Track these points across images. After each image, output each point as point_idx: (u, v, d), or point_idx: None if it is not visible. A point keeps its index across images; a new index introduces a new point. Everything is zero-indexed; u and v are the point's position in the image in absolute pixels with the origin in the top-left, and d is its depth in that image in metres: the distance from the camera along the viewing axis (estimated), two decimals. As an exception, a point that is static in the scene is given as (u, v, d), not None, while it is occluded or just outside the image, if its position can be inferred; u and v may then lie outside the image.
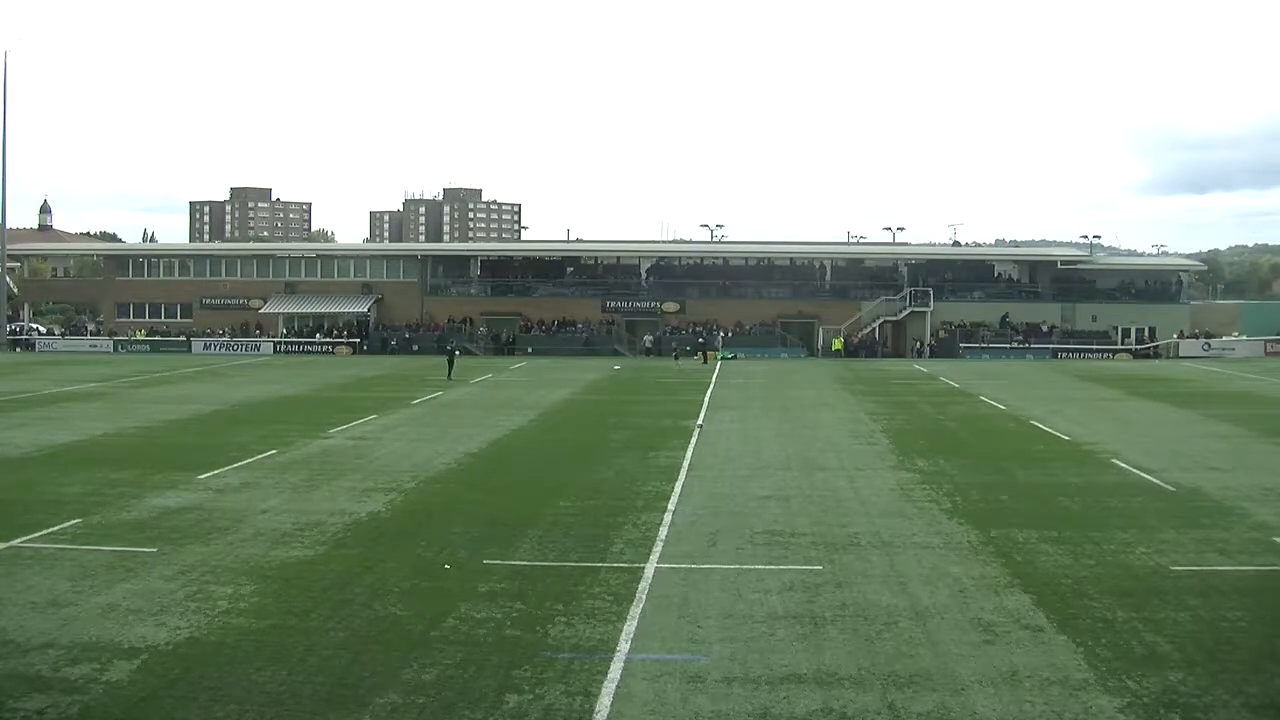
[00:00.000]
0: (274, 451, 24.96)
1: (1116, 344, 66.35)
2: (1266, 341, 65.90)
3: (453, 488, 20.93)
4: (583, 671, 10.72)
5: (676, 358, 58.32)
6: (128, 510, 18.34)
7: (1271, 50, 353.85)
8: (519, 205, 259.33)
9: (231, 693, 10.19)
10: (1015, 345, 65.19)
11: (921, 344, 66.01)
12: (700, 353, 60.46)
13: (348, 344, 67.50)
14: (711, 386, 43.41)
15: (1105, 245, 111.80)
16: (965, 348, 64.80)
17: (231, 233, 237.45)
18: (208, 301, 72.80)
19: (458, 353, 51.55)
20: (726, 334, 66.24)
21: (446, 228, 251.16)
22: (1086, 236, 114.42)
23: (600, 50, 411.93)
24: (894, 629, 12.07)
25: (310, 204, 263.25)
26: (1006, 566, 14.75)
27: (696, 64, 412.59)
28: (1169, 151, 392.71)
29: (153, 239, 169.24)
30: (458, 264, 78.35)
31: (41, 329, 75.50)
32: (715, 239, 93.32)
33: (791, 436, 28.39)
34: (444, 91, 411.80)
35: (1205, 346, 65.24)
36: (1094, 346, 65.61)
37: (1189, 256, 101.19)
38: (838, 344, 65.20)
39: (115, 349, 68.12)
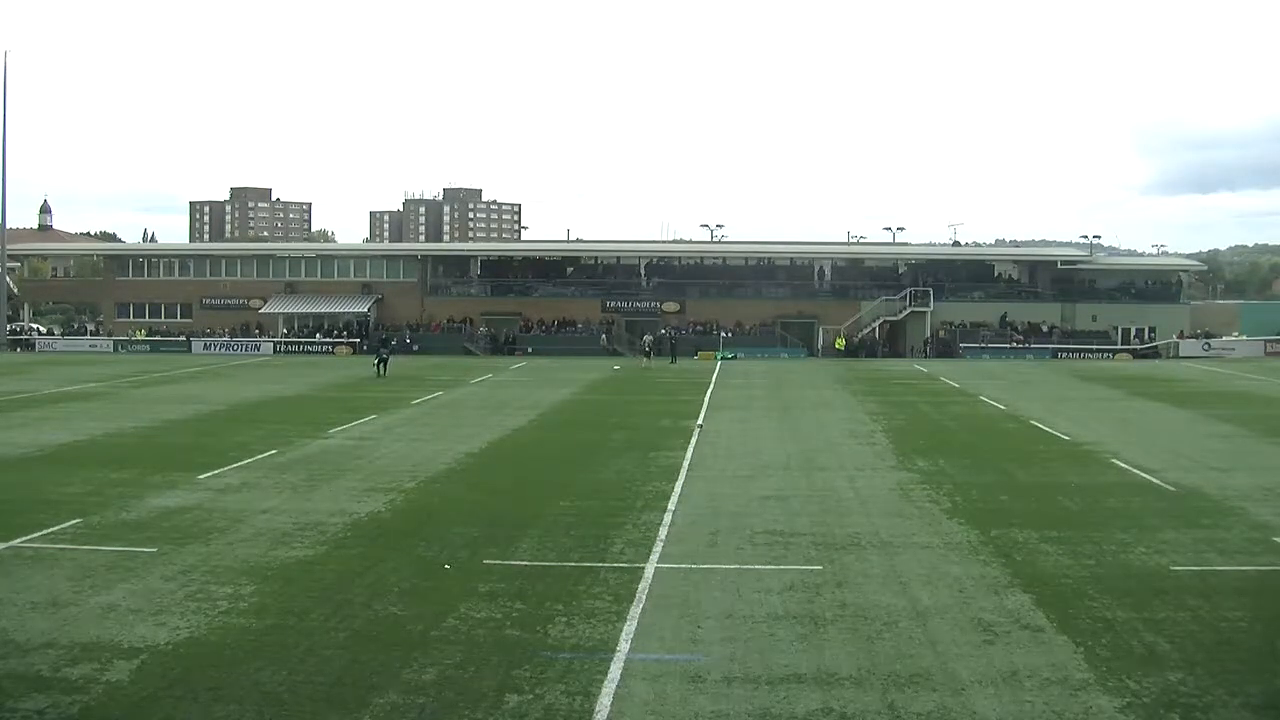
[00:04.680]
0: (274, 451, 24.96)
1: (1117, 344, 66.39)
2: (1266, 341, 65.88)
3: (453, 488, 20.93)
4: (583, 671, 10.71)
5: (648, 354, 58.26)
6: (128, 510, 18.34)
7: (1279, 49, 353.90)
8: (519, 205, 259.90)
9: (231, 693, 10.18)
10: (1015, 345, 65.22)
11: (926, 343, 65.98)
12: (671, 354, 59.27)
13: (348, 344, 67.51)
14: (711, 386, 43.42)
15: (1105, 245, 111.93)
16: (965, 348, 64.82)
17: (231, 233, 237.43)
18: (208, 301, 72.78)
19: (387, 356, 49.18)
20: (727, 333, 66.26)
21: (446, 228, 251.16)
22: (1086, 236, 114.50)
23: (600, 50, 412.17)
24: (894, 629, 12.07)
25: (310, 204, 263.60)
26: (1006, 566, 14.75)
27: (696, 64, 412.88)
28: (1175, 152, 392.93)
29: (153, 239, 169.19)
30: (458, 264, 78.40)
31: (41, 329, 75.45)
32: (715, 239, 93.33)
33: (791, 436, 28.39)
34: (444, 91, 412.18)
35: (1205, 346, 65.23)
36: (1094, 346, 65.63)
37: (1189, 256, 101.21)
38: (840, 343, 65.19)
39: (115, 349, 68.09)
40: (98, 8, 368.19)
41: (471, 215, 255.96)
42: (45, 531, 16.64)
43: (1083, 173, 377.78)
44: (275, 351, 67.42)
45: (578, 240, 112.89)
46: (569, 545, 15.96)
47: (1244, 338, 68.07)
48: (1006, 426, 30.91)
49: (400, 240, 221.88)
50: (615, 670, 10.72)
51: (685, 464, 23.47)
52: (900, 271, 72.69)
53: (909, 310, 67.48)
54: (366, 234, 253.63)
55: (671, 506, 18.77)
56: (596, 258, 78.04)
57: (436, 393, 40.31)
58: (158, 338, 70.24)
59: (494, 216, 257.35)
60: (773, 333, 68.24)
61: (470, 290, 74.12)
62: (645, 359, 57.87)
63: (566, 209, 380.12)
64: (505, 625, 12.18)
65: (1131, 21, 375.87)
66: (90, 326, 74.91)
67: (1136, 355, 64.35)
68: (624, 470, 22.69)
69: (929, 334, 66.66)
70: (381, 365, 47.77)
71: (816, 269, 74.87)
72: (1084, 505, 19.04)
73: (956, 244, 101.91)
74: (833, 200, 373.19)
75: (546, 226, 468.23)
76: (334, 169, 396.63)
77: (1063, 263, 73.53)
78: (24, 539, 16.11)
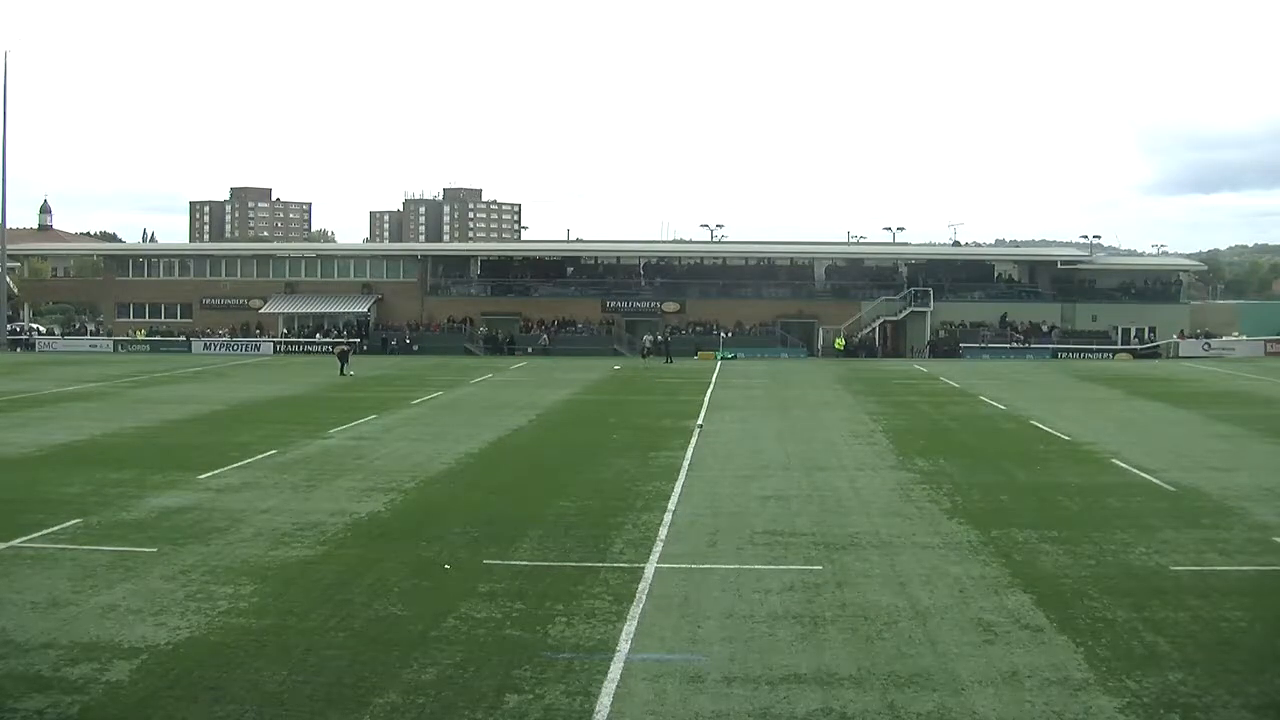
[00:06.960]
0: (274, 451, 24.96)
1: (1117, 344, 66.38)
2: (1266, 341, 65.88)
3: (453, 488, 20.93)
4: (583, 671, 10.72)
5: (644, 354, 58.61)
6: (128, 510, 18.34)
7: None
8: (519, 205, 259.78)
9: (231, 693, 10.19)
10: (1015, 345, 65.22)
11: (929, 343, 65.91)
12: (666, 354, 59.17)
13: (348, 344, 67.38)
14: (711, 386, 43.41)
15: (1105, 245, 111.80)
16: (965, 348, 64.81)
17: (231, 233, 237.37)
18: (208, 301, 72.78)
19: (348, 355, 52.58)
20: (727, 334, 66.25)
21: (446, 228, 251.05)
22: (1087, 236, 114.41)
23: (600, 50, 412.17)
24: (894, 629, 12.07)
25: (310, 204, 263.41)
26: (1006, 566, 14.75)
27: (696, 64, 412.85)
28: (1178, 151, 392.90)
29: (153, 239, 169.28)
30: (458, 264, 78.39)
31: (41, 329, 75.40)
32: (715, 239, 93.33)
33: (791, 436, 28.38)
34: (444, 91, 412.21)
35: (1205, 346, 65.23)
36: (1094, 346, 65.62)
37: (1189, 256, 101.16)
38: (840, 343, 65.18)
39: (115, 349, 68.06)
40: (98, 8, 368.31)
41: (471, 215, 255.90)
42: (45, 531, 16.64)
43: (1084, 172, 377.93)
44: (275, 351, 67.40)
45: (578, 240, 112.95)
46: (569, 545, 15.96)
47: (1244, 338, 68.07)
48: (1006, 426, 30.91)
49: (400, 240, 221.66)
50: (615, 670, 10.72)
51: (685, 464, 23.47)
52: (900, 271, 72.69)
53: (909, 310, 67.47)
54: (366, 234, 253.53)
55: (671, 506, 18.76)
56: (596, 258, 78.00)
57: (436, 393, 40.31)
58: (158, 338, 70.20)
59: (494, 216, 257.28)
60: (773, 333, 68.23)
61: (470, 290, 74.11)
62: (644, 358, 58.11)
63: (566, 209, 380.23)
64: (505, 625, 12.18)
65: (1134, 21, 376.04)
66: (90, 326, 74.84)
67: (1136, 355, 64.33)
68: (624, 470, 22.69)
69: (929, 334, 66.62)
70: (343, 364, 50.41)
71: (816, 269, 74.87)
72: (1084, 505, 19.04)
73: (956, 244, 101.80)
74: (833, 200, 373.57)
75: (546, 226, 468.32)
76: (334, 169, 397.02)
77: (1063, 263, 73.52)
78: (24, 539, 16.12)
